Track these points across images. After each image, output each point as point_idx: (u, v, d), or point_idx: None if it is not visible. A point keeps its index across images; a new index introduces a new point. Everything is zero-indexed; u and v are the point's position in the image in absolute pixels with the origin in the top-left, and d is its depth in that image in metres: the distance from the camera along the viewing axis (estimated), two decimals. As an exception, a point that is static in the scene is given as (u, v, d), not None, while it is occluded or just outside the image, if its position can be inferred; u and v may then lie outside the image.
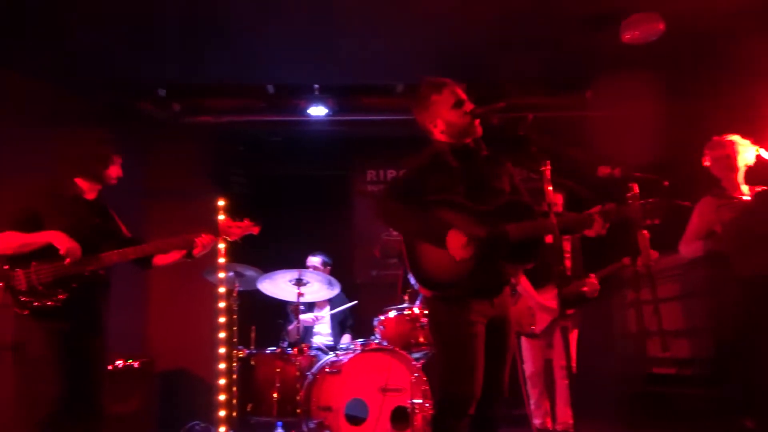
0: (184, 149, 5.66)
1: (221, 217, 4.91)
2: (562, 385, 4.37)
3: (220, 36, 4.36)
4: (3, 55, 4.12)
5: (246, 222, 3.28)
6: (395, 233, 6.30)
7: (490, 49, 4.60)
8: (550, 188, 2.41)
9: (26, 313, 2.92)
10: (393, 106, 5.48)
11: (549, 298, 4.36)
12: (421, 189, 2.56)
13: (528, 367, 4.52)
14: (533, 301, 4.41)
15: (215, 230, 3.24)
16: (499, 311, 2.59)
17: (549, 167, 2.42)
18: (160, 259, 3.30)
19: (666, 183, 2.55)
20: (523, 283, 4.45)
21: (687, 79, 4.92)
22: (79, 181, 3.16)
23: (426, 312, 4.14)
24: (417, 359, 4.35)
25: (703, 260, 3.79)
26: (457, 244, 2.41)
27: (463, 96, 2.68)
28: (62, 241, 2.92)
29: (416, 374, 4.20)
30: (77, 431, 2.96)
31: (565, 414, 4.34)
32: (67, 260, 2.93)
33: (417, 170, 2.61)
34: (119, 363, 4.36)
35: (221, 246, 4.75)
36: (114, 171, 3.20)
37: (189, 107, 5.40)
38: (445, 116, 2.66)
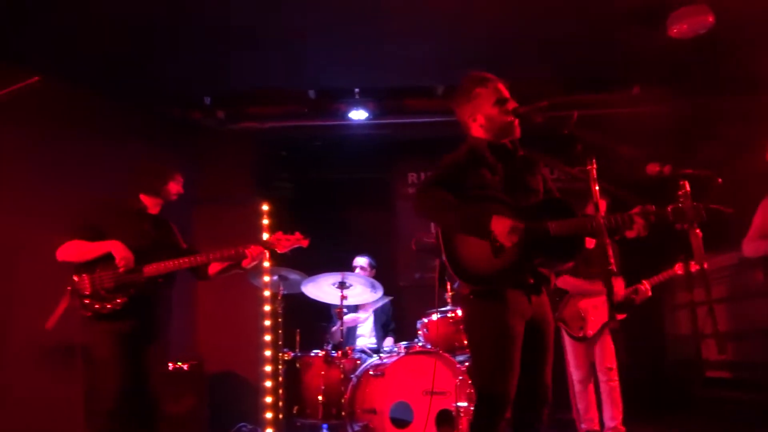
0: (229, 155, 5.77)
1: (265, 221, 5.02)
2: (606, 388, 4.28)
3: (263, 44, 4.42)
4: (65, 72, 4.28)
5: (297, 235, 3.39)
6: (432, 232, 6.29)
7: (533, 47, 4.54)
8: (597, 187, 2.35)
9: (89, 315, 3.12)
10: (433, 108, 5.46)
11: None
12: (459, 183, 2.51)
13: (574, 370, 4.44)
14: (579, 290, 4.33)
15: (265, 242, 3.36)
16: (537, 310, 2.54)
17: (595, 166, 2.36)
18: (214, 269, 3.46)
19: (719, 180, 2.45)
20: (566, 279, 4.38)
21: (739, 73, 4.75)
22: (143, 198, 3.39)
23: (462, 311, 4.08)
24: (461, 362, 4.31)
25: (763, 260, 3.65)
26: (503, 228, 2.34)
27: (507, 94, 2.64)
28: (118, 250, 3.13)
29: (461, 377, 4.17)
30: (137, 428, 3.12)
31: (614, 418, 4.24)
32: (121, 268, 3.12)
33: (455, 165, 2.56)
34: (170, 365, 4.47)
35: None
36: (174, 188, 3.41)
37: (233, 114, 5.51)
38: (486, 111, 2.62)
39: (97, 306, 3.12)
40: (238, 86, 5.26)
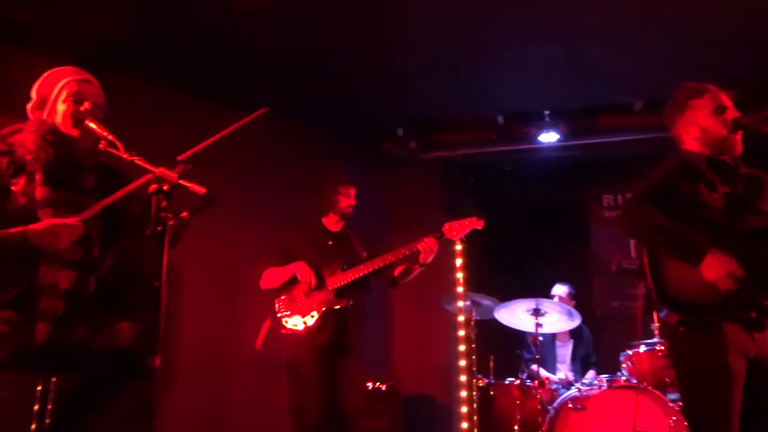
0: (420, 184, 5.98)
1: (458, 247, 5.08)
2: None
3: (453, 74, 4.55)
4: (276, 106, 4.82)
5: (470, 219, 3.40)
6: (633, 256, 5.82)
7: (752, 47, 4.04)
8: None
9: (289, 333, 3.42)
10: (630, 125, 5.15)
11: None
12: (671, 198, 2.29)
13: None
14: None
15: (435, 233, 3.40)
16: (763, 348, 2.21)
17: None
18: (397, 271, 3.57)
19: None
20: None
21: None
22: (323, 219, 3.69)
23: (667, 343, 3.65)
24: (674, 401, 3.92)
25: None
26: (718, 270, 2.10)
27: (728, 103, 2.38)
28: (301, 271, 3.44)
29: (674, 418, 3.78)
30: None
31: None
32: (305, 286, 3.43)
33: (665, 178, 2.35)
34: (369, 385, 4.70)
35: (459, 276, 4.88)
36: (344, 201, 3.62)
37: (424, 144, 5.71)
38: (701, 123, 2.38)
39: (294, 324, 3.43)
40: (428, 116, 5.45)
